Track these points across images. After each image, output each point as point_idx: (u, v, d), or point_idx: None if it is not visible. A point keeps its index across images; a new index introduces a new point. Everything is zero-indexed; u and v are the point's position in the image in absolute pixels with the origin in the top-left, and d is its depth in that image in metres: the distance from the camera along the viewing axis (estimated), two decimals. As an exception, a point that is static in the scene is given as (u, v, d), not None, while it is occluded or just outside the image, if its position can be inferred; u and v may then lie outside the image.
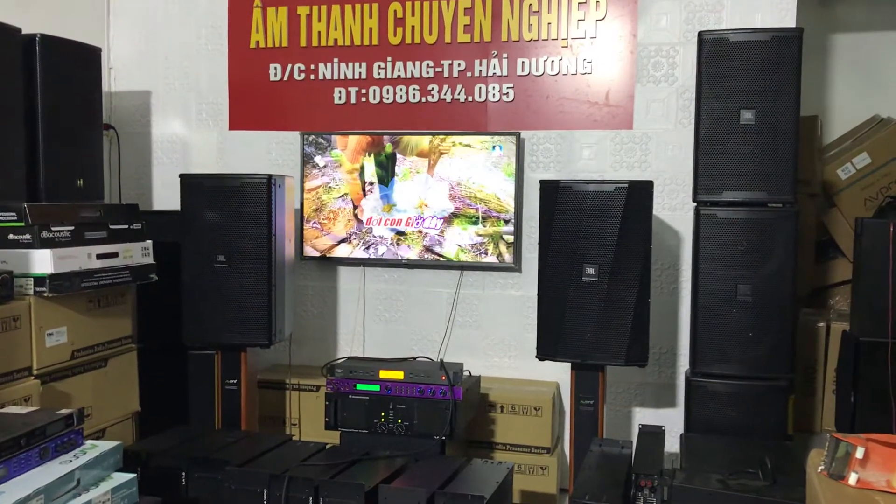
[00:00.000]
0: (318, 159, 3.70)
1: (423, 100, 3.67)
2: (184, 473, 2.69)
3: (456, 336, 3.70)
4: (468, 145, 3.52)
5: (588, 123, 3.50)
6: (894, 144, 3.70)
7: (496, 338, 3.67)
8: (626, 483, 2.47)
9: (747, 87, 2.84)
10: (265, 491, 2.49)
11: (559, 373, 3.40)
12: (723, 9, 3.32)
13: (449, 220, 3.56)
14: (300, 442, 3.02)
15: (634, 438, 2.89)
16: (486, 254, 3.53)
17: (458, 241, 3.56)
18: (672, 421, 3.26)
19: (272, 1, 3.82)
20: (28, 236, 2.59)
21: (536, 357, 3.06)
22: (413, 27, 3.66)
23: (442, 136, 3.56)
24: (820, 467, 1.81)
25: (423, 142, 3.58)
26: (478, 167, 3.52)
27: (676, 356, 3.46)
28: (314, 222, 3.72)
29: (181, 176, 3.29)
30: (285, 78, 3.83)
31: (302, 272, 3.81)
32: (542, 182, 3.04)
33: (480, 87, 3.60)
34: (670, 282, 3.46)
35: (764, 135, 2.83)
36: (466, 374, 3.17)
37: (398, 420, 3.02)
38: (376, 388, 3.05)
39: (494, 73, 3.59)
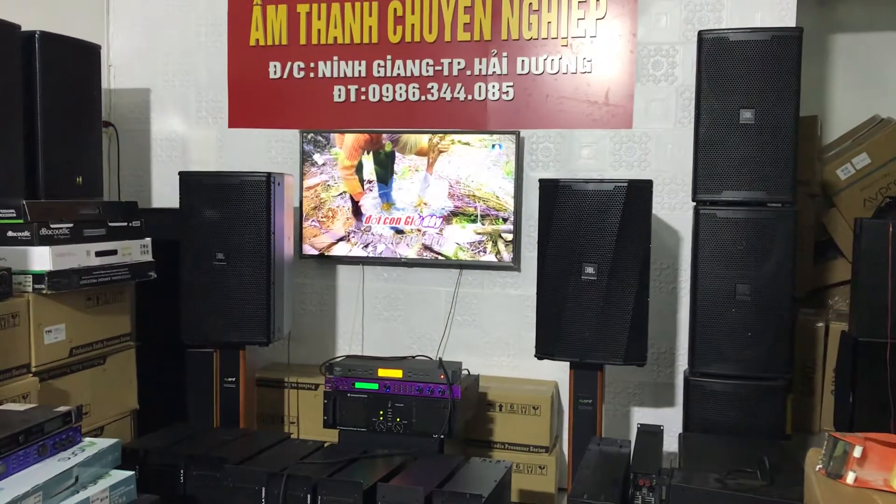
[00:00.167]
0: (317, 157, 3.70)
1: (423, 98, 3.67)
2: (182, 471, 2.69)
3: (455, 335, 3.69)
4: (467, 143, 3.52)
5: (588, 122, 3.50)
6: (894, 145, 3.70)
7: (495, 337, 3.67)
8: (624, 482, 2.48)
9: (747, 86, 2.83)
10: (263, 489, 2.49)
11: (558, 372, 3.40)
12: (723, 8, 3.32)
13: (448, 218, 3.56)
14: (298, 440, 3.02)
15: (633, 438, 2.89)
16: (485, 252, 3.53)
17: (456, 240, 3.56)
18: (671, 420, 3.26)
19: (272, -1, 3.82)
20: (27, 233, 2.59)
21: (535, 356, 3.06)
22: (413, 25, 3.66)
23: (441, 135, 3.56)
24: (818, 466, 1.82)
25: (423, 140, 3.58)
26: (477, 166, 3.51)
27: (675, 356, 3.46)
28: (313, 220, 3.72)
29: (180, 173, 3.29)
30: (285, 76, 3.83)
31: (301, 270, 3.81)
32: (541, 181, 3.04)
33: (480, 86, 3.60)
34: (669, 281, 3.46)
35: (763, 134, 2.83)
36: (465, 372, 3.17)
37: (397, 419, 3.02)
38: (375, 386, 3.05)
39: (494, 72, 3.59)
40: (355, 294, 3.81)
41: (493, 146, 3.50)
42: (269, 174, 3.18)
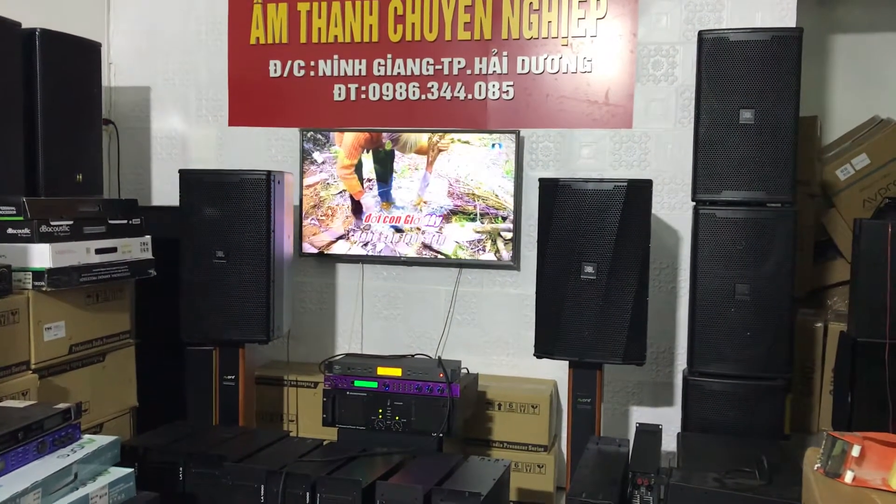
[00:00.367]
0: (317, 155, 3.70)
1: (423, 97, 3.67)
2: (181, 469, 2.69)
3: (454, 333, 3.70)
4: (467, 142, 3.53)
5: (588, 122, 3.50)
6: (893, 145, 3.70)
7: (494, 335, 3.67)
8: (622, 481, 2.48)
9: (747, 86, 2.84)
10: (262, 487, 2.49)
11: (557, 371, 3.40)
12: (723, 8, 3.32)
13: (447, 217, 3.56)
14: (297, 438, 3.02)
15: (632, 437, 2.90)
16: (484, 250, 3.54)
17: (456, 238, 3.56)
18: (669, 420, 3.27)
19: (272, -3, 3.83)
20: (27, 231, 2.59)
21: (534, 355, 3.07)
22: (413, 24, 3.66)
23: (441, 134, 3.56)
24: (816, 465, 1.82)
25: (422, 139, 3.58)
26: (477, 164, 3.52)
27: (674, 355, 3.47)
28: (312, 218, 3.72)
29: (180, 171, 3.29)
30: (285, 74, 3.83)
31: (300, 269, 3.81)
32: (541, 180, 3.04)
33: (480, 85, 3.61)
34: (669, 281, 3.46)
35: (763, 135, 2.83)
36: (464, 371, 3.18)
37: (396, 417, 3.02)
38: (374, 384, 3.05)
39: (494, 71, 3.59)
40: (355, 292, 3.81)
41: (493, 145, 3.50)
42: (269, 172, 3.18)
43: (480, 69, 3.60)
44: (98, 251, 2.80)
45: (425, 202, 3.59)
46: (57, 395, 2.64)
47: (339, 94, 3.77)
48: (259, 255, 3.18)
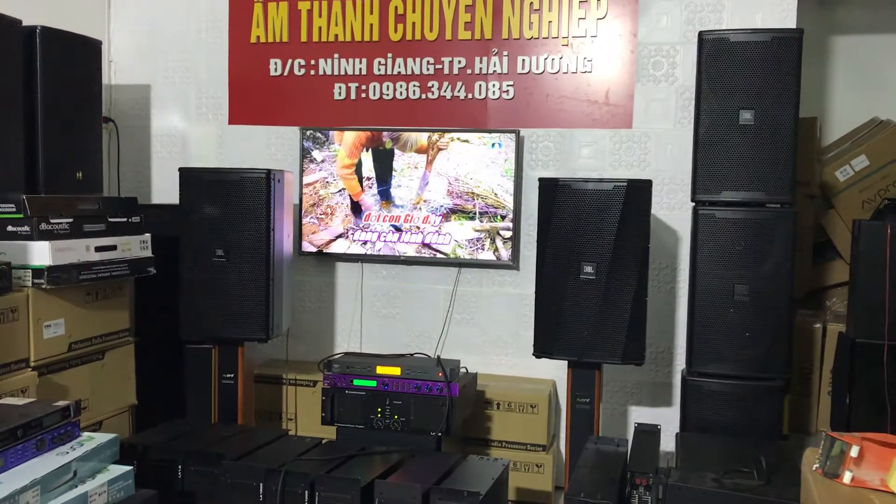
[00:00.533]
0: (317, 154, 3.70)
1: (423, 96, 3.67)
2: (180, 467, 2.69)
3: (453, 333, 3.70)
4: (466, 141, 3.53)
5: (588, 122, 3.51)
6: (892, 147, 3.71)
7: (493, 335, 3.67)
8: (621, 481, 2.48)
9: (747, 87, 2.84)
10: (261, 485, 2.49)
11: (556, 371, 3.41)
12: (723, 9, 3.32)
13: (447, 215, 3.57)
14: (296, 437, 3.02)
15: (630, 437, 2.90)
16: (483, 249, 3.54)
17: (455, 237, 3.56)
18: (668, 420, 3.27)
19: (273, -4, 3.83)
20: (27, 228, 2.60)
21: (533, 355, 3.07)
22: (414, 24, 3.66)
23: (441, 133, 3.56)
24: (815, 465, 1.82)
25: (422, 138, 3.58)
26: (476, 163, 3.52)
27: (673, 355, 3.47)
28: (312, 217, 3.72)
29: (180, 170, 3.29)
30: (285, 73, 3.83)
31: (300, 267, 3.82)
32: (541, 180, 3.05)
33: (480, 85, 3.61)
34: (668, 281, 3.46)
35: (763, 135, 2.83)
36: (463, 370, 3.18)
37: (395, 416, 3.03)
38: (373, 383, 3.06)
39: (495, 71, 3.59)
40: (354, 291, 3.81)
41: (493, 145, 3.50)
42: (268, 171, 3.18)
43: (481, 69, 3.60)
44: (98, 249, 2.80)
45: (425, 201, 3.59)
46: (56, 393, 2.64)
47: (340, 93, 3.77)
48: (258, 254, 3.18)
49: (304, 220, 3.72)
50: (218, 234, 3.19)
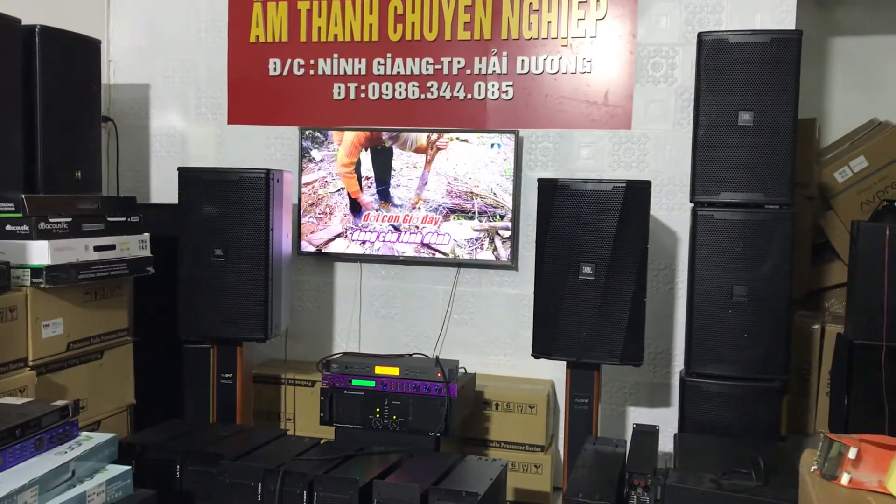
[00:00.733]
0: (315, 153, 3.70)
1: (423, 97, 3.67)
2: (178, 466, 2.69)
3: (452, 333, 3.70)
4: (466, 141, 3.53)
5: (587, 123, 3.51)
6: (891, 148, 3.71)
7: (492, 335, 3.67)
8: (619, 482, 2.48)
9: (746, 88, 2.84)
10: (259, 485, 2.49)
11: (554, 371, 3.41)
12: (722, 10, 3.32)
13: (446, 215, 3.57)
14: (295, 437, 3.02)
15: (629, 437, 2.90)
16: (482, 248, 3.54)
17: (454, 237, 3.57)
18: (666, 420, 3.27)
19: (272, -5, 3.83)
20: (25, 227, 2.59)
21: (532, 355, 3.07)
22: (413, 24, 3.66)
23: (440, 133, 3.56)
24: (813, 467, 1.82)
25: (421, 138, 3.59)
26: (475, 163, 3.52)
27: (671, 356, 3.47)
28: (311, 216, 3.72)
29: (179, 169, 3.29)
30: (285, 73, 3.83)
31: (299, 267, 3.82)
32: (540, 181, 3.05)
33: (480, 85, 3.61)
34: (666, 282, 3.47)
35: (762, 136, 2.84)
36: (462, 371, 3.18)
37: (393, 416, 3.03)
38: (372, 383, 3.06)
39: (494, 71, 3.59)
40: (353, 291, 3.81)
41: (493, 145, 3.50)
42: (267, 171, 3.18)
43: (480, 69, 3.60)
44: (96, 248, 2.80)
45: (424, 201, 3.59)
46: (55, 393, 2.63)
47: (339, 93, 3.77)
48: (257, 254, 3.18)
49: (304, 220, 3.72)
50: (217, 233, 3.19)
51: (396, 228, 3.64)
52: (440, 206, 3.57)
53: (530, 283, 3.11)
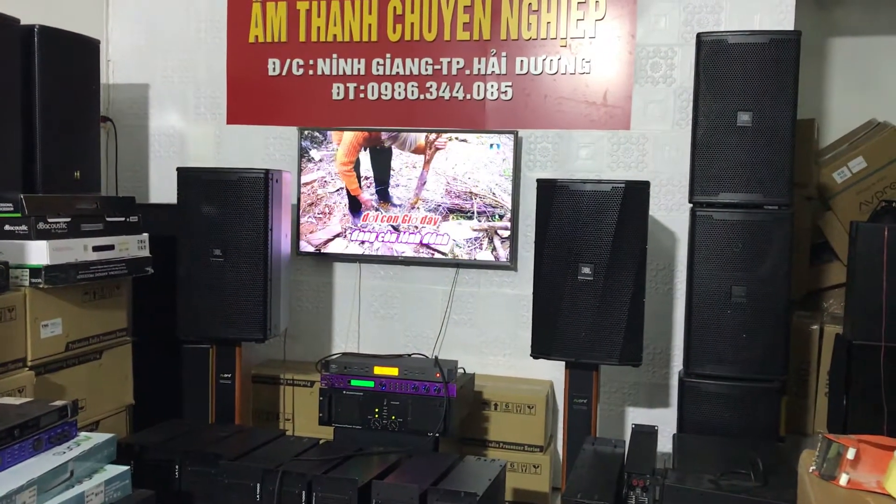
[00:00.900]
0: (314, 153, 3.70)
1: (422, 97, 3.67)
2: (177, 467, 2.69)
3: (451, 333, 3.70)
4: (465, 141, 3.53)
5: (586, 123, 3.51)
6: (890, 149, 3.72)
7: (491, 335, 3.67)
8: (618, 482, 2.48)
9: (745, 89, 2.84)
10: (258, 485, 2.49)
11: (553, 371, 3.41)
12: (721, 10, 3.32)
13: (445, 215, 3.57)
14: (294, 437, 3.02)
15: (627, 438, 2.90)
16: (481, 248, 3.54)
17: (453, 237, 3.57)
18: (665, 421, 3.27)
19: (272, -4, 3.83)
20: (24, 227, 2.59)
21: (531, 355, 3.07)
22: (412, 24, 3.66)
23: (438, 133, 3.56)
24: (811, 467, 1.82)
25: (420, 138, 3.59)
26: (474, 163, 3.52)
27: (670, 356, 3.47)
28: (310, 216, 3.72)
29: (178, 169, 3.29)
30: (284, 73, 3.83)
31: (298, 267, 3.82)
32: (539, 181, 3.05)
33: (479, 85, 3.61)
34: (665, 282, 3.47)
35: (761, 137, 2.84)
36: (461, 371, 3.18)
37: (392, 416, 3.03)
38: (370, 384, 3.06)
39: (493, 72, 3.59)
40: (352, 292, 3.81)
41: (492, 146, 3.50)
42: (267, 171, 3.18)
43: (479, 69, 3.60)
44: (95, 248, 2.80)
45: (423, 200, 3.59)
46: (53, 393, 2.63)
47: (338, 94, 3.77)
48: (256, 254, 3.17)
49: (303, 220, 3.72)
50: (216, 233, 3.19)
51: (395, 228, 3.64)
52: (439, 205, 3.57)
53: (529, 284, 3.11)
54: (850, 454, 1.75)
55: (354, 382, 3.07)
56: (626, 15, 3.44)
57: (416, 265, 3.70)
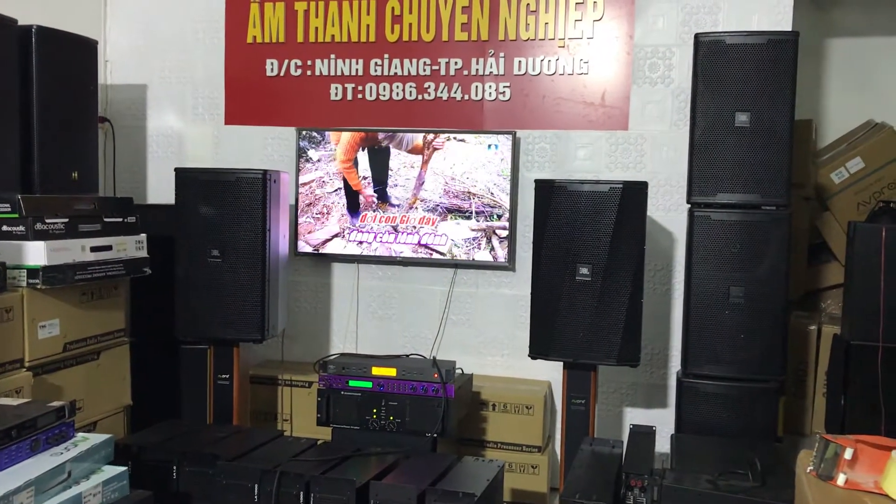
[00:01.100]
0: (312, 153, 3.70)
1: (420, 97, 3.67)
2: (175, 467, 2.69)
3: (449, 334, 3.70)
4: (462, 141, 3.53)
5: (584, 124, 3.51)
6: (887, 149, 3.72)
7: (489, 336, 3.67)
8: (616, 482, 2.48)
9: (743, 89, 2.84)
10: (256, 486, 2.49)
11: (551, 372, 3.41)
12: (719, 11, 3.33)
13: (443, 215, 3.57)
14: (292, 437, 3.02)
15: (625, 438, 2.90)
16: (480, 248, 3.54)
17: (451, 237, 3.57)
18: (663, 421, 3.27)
19: (270, -4, 3.82)
20: (22, 228, 2.59)
21: (529, 356, 3.07)
22: (410, 25, 3.66)
23: (436, 133, 3.56)
24: (809, 468, 1.82)
25: (418, 138, 3.59)
26: (472, 163, 3.52)
27: (668, 357, 3.47)
28: (308, 216, 3.72)
29: (176, 170, 3.28)
30: (282, 73, 3.83)
31: (296, 268, 3.81)
32: (537, 181, 3.05)
33: (477, 86, 3.61)
34: (663, 283, 3.47)
35: (758, 137, 2.84)
36: (459, 371, 3.18)
37: (390, 417, 3.03)
38: (368, 384, 3.06)
39: (491, 72, 3.59)
40: (350, 292, 3.81)
41: (490, 146, 3.50)
42: (265, 171, 3.18)
43: (477, 70, 3.60)
44: (93, 249, 2.79)
45: (421, 200, 3.59)
46: (51, 393, 2.63)
47: (336, 94, 3.77)
48: (254, 254, 3.17)
49: (301, 220, 3.72)
50: (213, 234, 3.19)
51: (394, 229, 3.63)
52: (438, 205, 3.57)
53: (527, 284, 3.11)
54: (848, 454, 1.75)
55: (352, 383, 3.07)
56: (624, 16, 3.44)
57: (415, 265, 3.70)
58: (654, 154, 3.45)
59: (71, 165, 3.10)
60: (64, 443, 2.13)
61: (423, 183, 3.59)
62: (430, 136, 3.57)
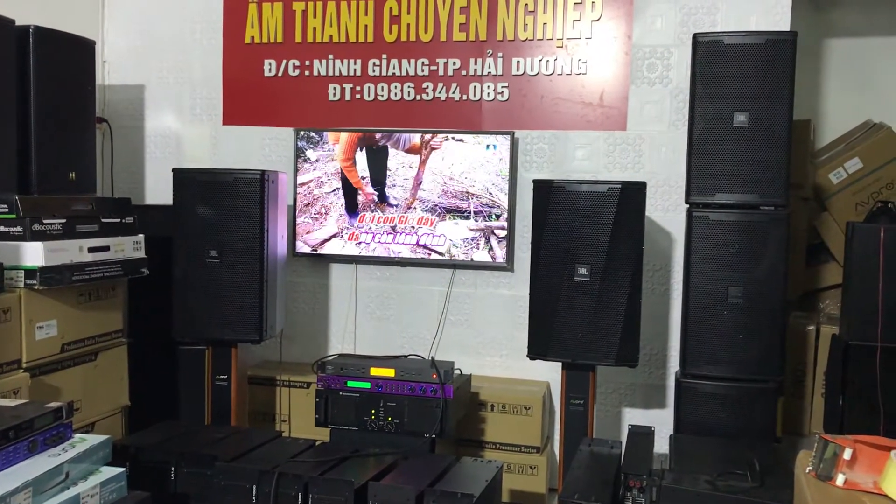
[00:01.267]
0: (311, 153, 3.70)
1: (418, 98, 3.67)
2: (173, 468, 2.68)
3: (447, 334, 3.70)
4: (461, 141, 3.53)
5: (582, 124, 3.51)
6: (886, 150, 3.72)
7: (488, 336, 3.67)
8: (615, 483, 2.48)
9: (741, 89, 2.84)
10: (254, 487, 2.49)
11: (550, 372, 3.41)
12: (718, 11, 3.33)
13: (442, 215, 3.56)
14: (290, 438, 3.02)
15: (624, 439, 2.90)
16: (478, 248, 3.54)
17: (450, 237, 3.56)
18: (662, 421, 3.27)
19: (268, -4, 3.82)
20: (19, 228, 2.59)
21: (527, 356, 3.07)
22: (408, 25, 3.66)
23: (434, 133, 3.56)
24: (808, 468, 1.82)
25: (416, 138, 3.58)
26: (471, 163, 3.52)
27: (667, 357, 3.47)
28: (306, 216, 3.72)
29: (174, 170, 3.28)
30: (280, 73, 3.83)
31: (294, 269, 3.81)
32: (535, 182, 3.05)
33: (475, 86, 3.61)
34: (662, 283, 3.47)
35: (757, 138, 2.84)
36: (457, 372, 3.18)
37: (388, 417, 3.02)
38: (367, 385, 3.05)
39: (489, 73, 3.59)
40: (348, 293, 3.81)
41: (488, 146, 3.50)
42: (263, 172, 3.17)
43: (475, 70, 3.60)
44: (91, 250, 2.79)
45: (420, 200, 3.59)
46: (48, 394, 2.63)
47: (334, 94, 3.76)
48: (252, 255, 3.17)
49: (299, 220, 3.72)
50: (211, 234, 3.18)
51: (392, 229, 3.63)
52: (436, 205, 3.57)
53: (526, 285, 3.11)
54: (847, 454, 1.75)
55: (351, 384, 3.06)
56: (623, 16, 3.44)
57: (413, 266, 3.69)
58: (652, 154, 3.45)
59: (68, 166, 3.10)
60: (62, 444, 2.13)
61: (420, 183, 3.58)
62: (428, 136, 3.56)
